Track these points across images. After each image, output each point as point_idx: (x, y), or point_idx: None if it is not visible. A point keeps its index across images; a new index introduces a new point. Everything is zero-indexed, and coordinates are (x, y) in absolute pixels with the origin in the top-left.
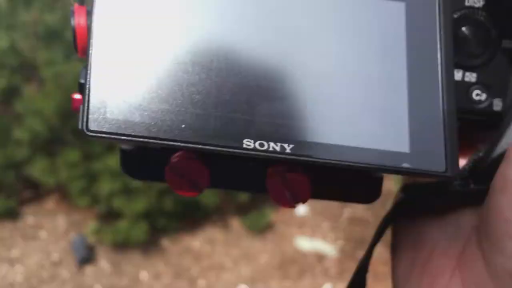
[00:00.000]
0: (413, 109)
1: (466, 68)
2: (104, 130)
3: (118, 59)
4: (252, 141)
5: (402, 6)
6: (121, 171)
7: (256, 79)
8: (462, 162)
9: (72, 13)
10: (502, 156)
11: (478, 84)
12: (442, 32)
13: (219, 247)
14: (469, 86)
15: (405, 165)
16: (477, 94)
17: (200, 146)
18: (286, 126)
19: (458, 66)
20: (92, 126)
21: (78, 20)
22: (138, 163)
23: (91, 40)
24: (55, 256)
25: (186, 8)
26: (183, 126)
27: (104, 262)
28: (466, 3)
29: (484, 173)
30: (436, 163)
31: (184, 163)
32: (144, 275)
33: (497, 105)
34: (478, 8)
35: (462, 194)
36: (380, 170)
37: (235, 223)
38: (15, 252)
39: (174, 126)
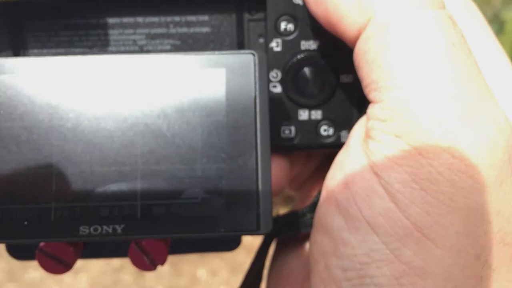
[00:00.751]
0: (229, 179)
1: (311, 107)
2: None
3: None
4: (87, 227)
5: (223, 72)
6: (8, 254)
7: (89, 168)
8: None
9: None
10: None
11: (324, 120)
12: (258, 98)
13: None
14: (316, 123)
15: (222, 229)
16: (325, 130)
17: (40, 240)
18: (116, 208)
19: (304, 106)
20: None
21: None
22: (18, 250)
23: None
24: (116, 262)
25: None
26: (25, 223)
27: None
28: (302, 47)
29: None
30: (250, 224)
31: (49, 247)
32: (201, 273)
33: (344, 136)
34: (313, 50)
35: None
36: (198, 238)
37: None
38: (77, 262)
39: (20, 225)
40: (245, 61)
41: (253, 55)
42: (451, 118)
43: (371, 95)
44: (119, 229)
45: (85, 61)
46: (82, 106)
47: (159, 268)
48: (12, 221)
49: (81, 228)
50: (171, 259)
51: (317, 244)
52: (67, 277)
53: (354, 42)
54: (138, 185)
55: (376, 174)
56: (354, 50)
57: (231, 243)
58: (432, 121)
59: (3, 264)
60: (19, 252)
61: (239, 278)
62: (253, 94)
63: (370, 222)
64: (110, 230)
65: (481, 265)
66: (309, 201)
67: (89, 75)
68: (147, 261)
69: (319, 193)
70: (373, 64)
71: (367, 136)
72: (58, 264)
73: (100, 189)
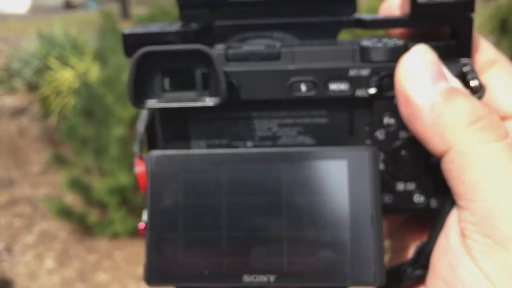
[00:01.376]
0: (353, 243)
1: (406, 180)
2: (159, 281)
3: (166, 229)
4: (249, 276)
5: (345, 163)
6: None
7: (249, 233)
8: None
9: (134, 164)
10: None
11: (417, 190)
12: (372, 183)
13: None
14: (410, 192)
15: (348, 281)
16: (417, 197)
17: (215, 284)
18: (269, 263)
19: (400, 179)
20: (153, 280)
21: (139, 168)
22: None
23: (149, 208)
24: None
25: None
26: (205, 272)
27: None
28: (400, 136)
29: (426, 261)
30: (369, 277)
31: None
32: None
33: (433, 203)
34: (408, 139)
35: (415, 279)
36: (332, 286)
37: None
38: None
39: (201, 273)
40: (362, 154)
41: (369, 149)
42: None
43: (460, 202)
44: (271, 278)
45: (240, 155)
46: (240, 190)
47: None
48: (196, 270)
49: (244, 276)
50: None
51: None
52: (132, 283)
53: (438, 157)
54: (284, 246)
55: (475, 264)
56: (441, 164)
57: None
58: (509, 224)
59: (77, 264)
60: None
61: None
62: (368, 179)
63: None
64: (265, 279)
65: None
66: (402, 252)
67: (242, 167)
68: None
69: (417, 251)
70: (458, 180)
71: (463, 234)
72: None
73: (257, 249)
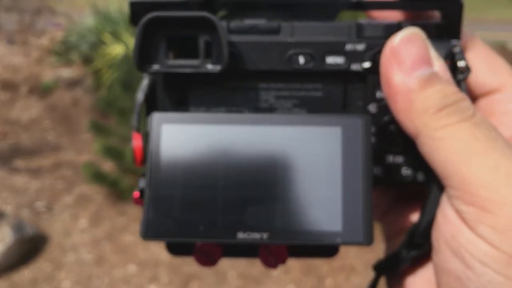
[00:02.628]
0: (344, 205)
1: (395, 153)
2: (154, 236)
3: (164, 185)
4: (242, 233)
5: (338, 129)
6: (167, 251)
7: (244, 193)
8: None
9: (132, 138)
10: (430, 224)
11: (405, 163)
12: (364, 148)
13: (353, 249)
14: (399, 166)
15: (339, 240)
16: (405, 170)
17: (209, 240)
18: (263, 221)
19: (390, 152)
20: (149, 235)
21: (136, 142)
22: (175, 248)
23: (147, 164)
24: None
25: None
26: (201, 228)
27: None
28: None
29: (419, 241)
30: (358, 237)
31: (204, 246)
32: None
33: (420, 176)
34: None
35: (410, 261)
36: (322, 244)
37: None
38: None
39: (195, 229)
40: (356, 122)
41: (362, 117)
42: (499, 184)
43: (441, 180)
44: (264, 236)
45: (239, 117)
46: (238, 150)
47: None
48: (192, 227)
49: (238, 234)
50: None
51: (444, 284)
52: (154, 245)
53: (413, 139)
54: (278, 205)
55: (471, 228)
56: (417, 147)
57: (332, 251)
58: (484, 189)
59: (107, 225)
60: (177, 250)
61: (311, 281)
62: (360, 145)
63: (481, 260)
64: (258, 236)
65: None
66: (396, 238)
67: (242, 128)
68: (273, 261)
69: (409, 232)
70: (432, 161)
71: (454, 208)
72: (209, 260)
73: (251, 208)
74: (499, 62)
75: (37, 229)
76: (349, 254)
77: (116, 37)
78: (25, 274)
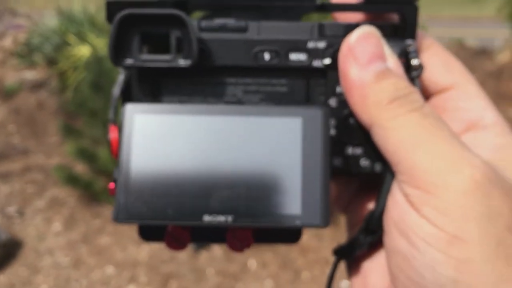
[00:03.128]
0: (303, 190)
1: (354, 145)
2: (126, 218)
3: (135, 171)
4: (208, 215)
5: (299, 119)
6: (139, 236)
7: (211, 179)
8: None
9: (108, 130)
10: (383, 210)
11: (364, 154)
12: (323, 138)
13: (326, 242)
14: (358, 157)
15: (298, 222)
16: (363, 161)
17: (178, 222)
18: (228, 204)
19: (349, 144)
20: (120, 217)
21: (113, 135)
22: (147, 233)
23: (120, 153)
24: None
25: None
26: (169, 211)
27: (217, 249)
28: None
29: (374, 226)
30: (316, 219)
31: (173, 230)
32: (252, 263)
33: (377, 167)
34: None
35: (367, 246)
36: (282, 228)
37: (344, 219)
38: None
39: (164, 211)
40: (315, 113)
41: (321, 109)
42: (440, 167)
43: (393, 167)
44: (229, 218)
45: (207, 108)
46: (206, 139)
47: (213, 252)
48: (161, 210)
49: (204, 216)
50: (225, 246)
51: (393, 264)
52: (131, 246)
53: (368, 130)
54: (243, 190)
55: (416, 210)
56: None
57: (294, 236)
58: (429, 173)
59: (82, 228)
60: (148, 234)
61: (288, 274)
62: (320, 135)
63: (425, 240)
64: (223, 219)
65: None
66: (357, 226)
67: (210, 118)
68: (239, 246)
69: (366, 218)
70: (384, 150)
71: (403, 193)
72: (178, 244)
73: (217, 193)
74: (453, 62)
75: (10, 234)
76: (323, 248)
77: (81, 38)
78: (1, 279)
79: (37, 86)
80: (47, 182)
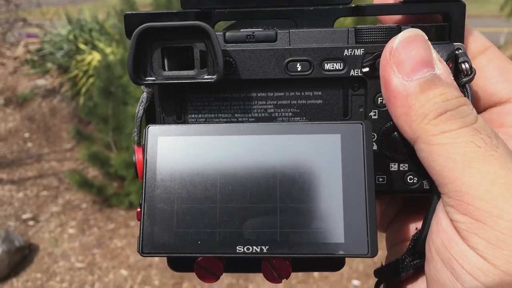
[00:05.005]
0: (346, 215)
1: (400, 161)
2: (152, 251)
3: (160, 200)
4: (242, 247)
5: (338, 137)
6: (169, 267)
7: (243, 204)
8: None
9: (133, 152)
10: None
11: (410, 171)
12: (365, 156)
13: None
14: (403, 173)
15: (341, 252)
16: (410, 179)
17: (208, 254)
18: (262, 234)
19: (394, 160)
20: (145, 250)
21: (138, 156)
22: (176, 263)
23: (144, 178)
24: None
25: (203, 168)
26: (199, 242)
27: None
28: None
29: (421, 249)
30: (362, 249)
31: (205, 261)
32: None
33: (426, 185)
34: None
35: (413, 269)
36: (324, 257)
37: None
38: None
39: (194, 243)
40: (355, 128)
41: (362, 124)
42: (497, 197)
43: (438, 188)
44: (264, 249)
45: (236, 127)
46: (235, 161)
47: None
48: (190, 241)
49: (237, 248)
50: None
51: None
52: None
53: (412, 144)
54: (278, 217)
55: (464, 238)
56: (416, 153)
57: (337, 265)
58: (479, 199)
59: (95, 233)
60: (177, 266)
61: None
62: (361, 153)
63: (472, 274)
64: (258, 250)
65: None
66: (398, 246)
67: (239, 138)
68: (276, 276)
69: (413, 240)
70: (429, 167)
71: (449, 217)
72: (210, 275)
73: (251, 220)
74: None
75: (25, 240)
76: None
77: (91, 45)
78: (17, 284)
79: (49, 93)
80: (60, 188)
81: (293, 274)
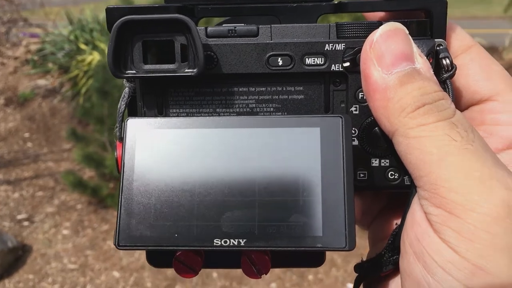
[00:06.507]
0: (324, 208)
1: (381, 157)
2: (128, 244)
3: (137, 193)
4: (219, 239)
5: (317, 130)
6: (148, 263)
7: (221, 198)
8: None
9: (115, 147)
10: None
11: (391, 167)
12: (345, 150)
13: None
14: (385, 169)
15: (319, 245)
16: (391, 174)
17: (186, 248)
18: (240, 227)
19: (375, 156)
20: (121, 243)
21: (119, 151)
22: (156, 259)
23: (122, 171)
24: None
25: (182, 160)
26: (176, 235)
27: None
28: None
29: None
30: (340, 242)
31: (183, 256)
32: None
33: (407, 180)
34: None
35: (393, 264)
36: (302, 250)
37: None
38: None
39: (171, 236)
40: (335, 122)
41: (341, 118)
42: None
43: (414, 181)
44: (242, 242)
45: (215, 120)
46: (215, 154)
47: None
48: (167, 234)
49: (214, 240)
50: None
51: None
52: (137, 251)
53: (389, 137)
54: (256, 210)
55: (436, 231)
56: (394, 146)
57: (317, 260)
58: (453, 192)
59: (89, 234)
60: (157, 261)
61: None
62: (340, 147)
63: (443, 267)
64: (235, 243)
65: None
66: (380, 242)
67: (218, 131)
68: (255, 271)
69: (393, 235)
70: (406, 160)
71: (423, 210)
72: (188, 270)
73: (229, 213)
74: (495, 68)
75: (19, 240)
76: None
77: (92, 45)
78: (9, 285)
79: (50, 93)
80: (56, 188)
81: (287, 277)
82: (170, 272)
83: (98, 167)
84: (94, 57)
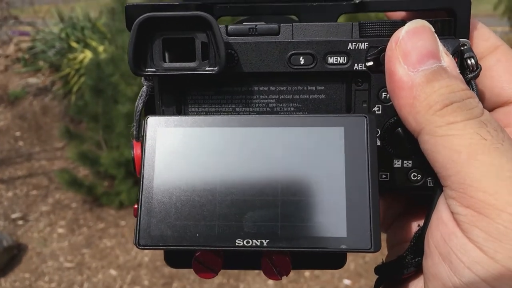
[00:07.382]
0: (349, 209)
1: (403, 158)
2: (148, 244)
3: (158, 192)
4: (241, 240)
5: (341, 130)
6: (165, 263)
7: (243, 197)
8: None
9: (131, 146)
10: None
11: (414, 168)
12: (369, 149)
13: None
14: (407, 170)
15: (343, 246)
16: (414, 176)
17: (207, 248)
18: (263, 227)
19: (397, 156)
20: (142, 242)
21: (136, 151)
22: (174, 259)
23: (142, 171)
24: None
25: (203, 159)
26: (197, 235)
27: None
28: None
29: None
30: (365, 243)
31: (203, 256)
32: None
33: (430, 182)
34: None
35: (415, 266)
36: (326, 251)
37: None
38: None
39: (192, 236)
40: (359, 122)
41: (366, 117)
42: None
43: (441, 181)
44: (264, 242)
45: (238, 119)
46: (237, 153)
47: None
48: (188, 234)
49: (237, 241)
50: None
51: None
52: (134, 249)
53: (415, 136)
54: (279, 210)
55: (464, 231)
56: (419, 145)
57: (338, 262)
58: (483, 192)
59: (85, 232)
60: (175, 261)
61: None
62: (365, 146)
63: (470, 268)
64: (258, 243)
65: None
66: (399, 245)
67: (241, 129)
68: (276, 272)
69: (415, 237)
70: (433, 159)
71: (450, 210)
72: (208, 270)
73: (251, 213)
74: None
75: (14, 239)
76: None
77: (84, 43)
78: (5, 285)
79: (41, 91)
80: (50, 187)
81: None
82: (168, 270)
83: (93, 165)
84: (86, 55)
